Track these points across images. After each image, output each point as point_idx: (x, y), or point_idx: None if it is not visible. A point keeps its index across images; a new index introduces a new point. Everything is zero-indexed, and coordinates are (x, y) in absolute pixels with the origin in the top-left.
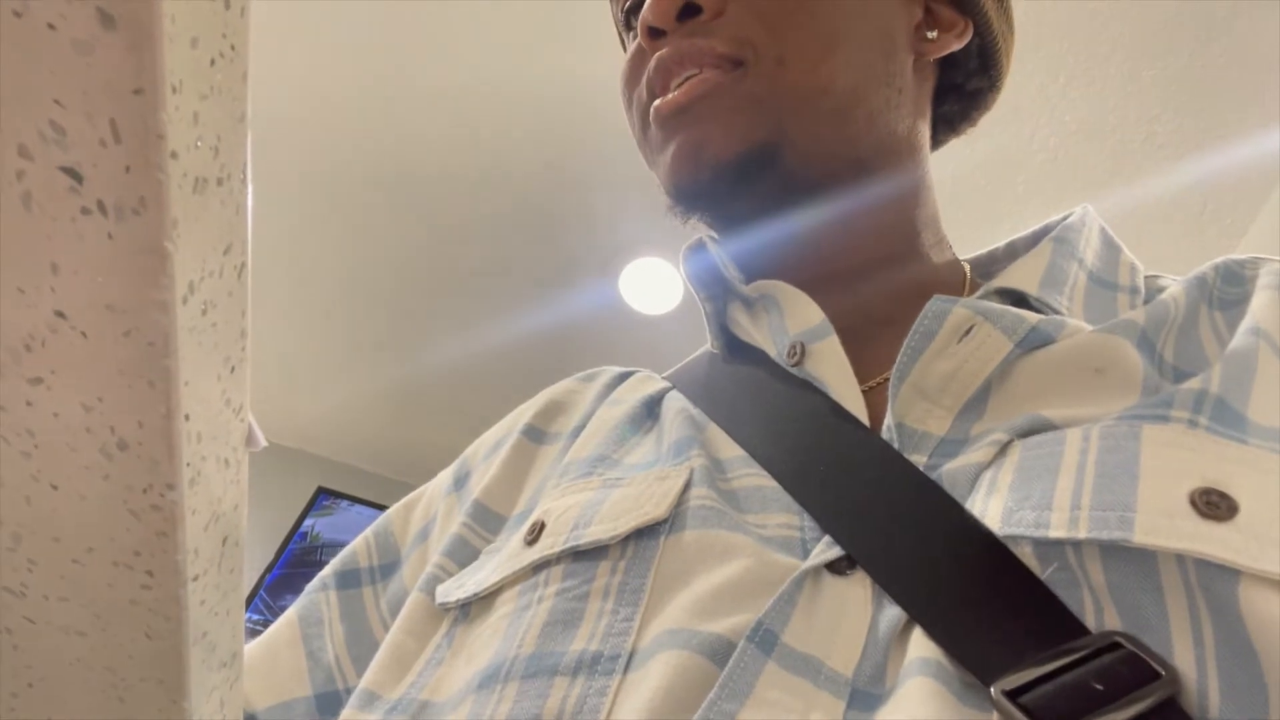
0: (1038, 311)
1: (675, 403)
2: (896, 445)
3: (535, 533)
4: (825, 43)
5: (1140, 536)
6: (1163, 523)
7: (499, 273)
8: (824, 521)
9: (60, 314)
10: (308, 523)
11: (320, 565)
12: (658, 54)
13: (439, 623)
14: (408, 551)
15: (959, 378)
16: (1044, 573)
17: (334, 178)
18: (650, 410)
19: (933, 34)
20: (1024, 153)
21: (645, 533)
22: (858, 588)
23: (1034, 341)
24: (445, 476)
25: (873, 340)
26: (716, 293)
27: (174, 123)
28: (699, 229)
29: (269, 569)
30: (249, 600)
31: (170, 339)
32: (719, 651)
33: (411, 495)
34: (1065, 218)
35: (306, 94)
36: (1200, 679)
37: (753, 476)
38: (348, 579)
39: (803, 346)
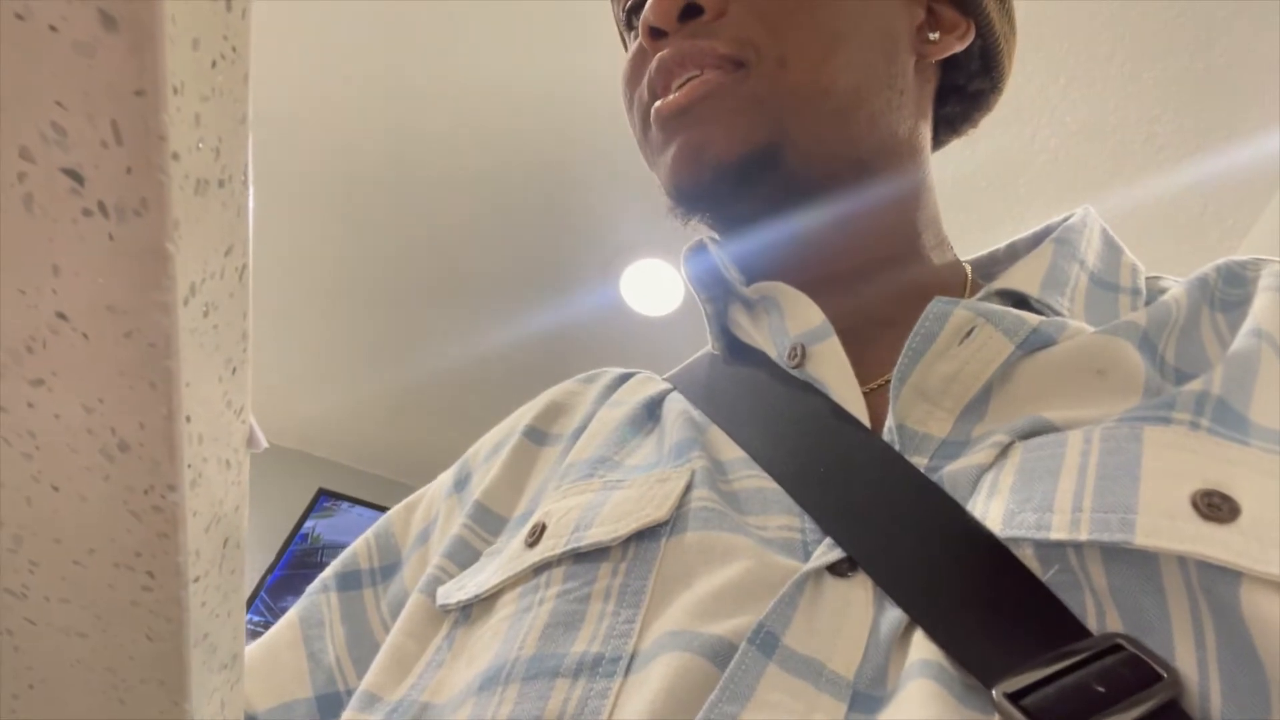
0: (1039, 313)
1: (676, 404)
2: (897, 447)
3: (536, 534)
4: (827, 44)
5: (1142, 538)
6: (1164, 524)
7: (500, 274)
8: (825, 523)
9: (61, 315)
10: (308, 524)
11: (321, 567)
12: (659, 54)
13: (440, 624)
14: (408, 553)
15: (960, 379)
16: (1045, 575)
17: (334, 178)
18: (651, 412)
19: (935, 35)
20: (1025, 154)
21: (646, 534)
22: (859, 590)
23: (1035, 343)
24: (446, 478)
25: (874, 342)
26: (717, 294)
27: (175, 124)
28: (700, 230)
29: (270, 570)
30: (250, 602)
31: (171, 340)
32: (720, 653)
33: (412, 497)
34: (1066, 219)
35: (306, 94)
36: (1202, 681)
37: (754, 478)
38: (348, 580)
39: (803, 348)
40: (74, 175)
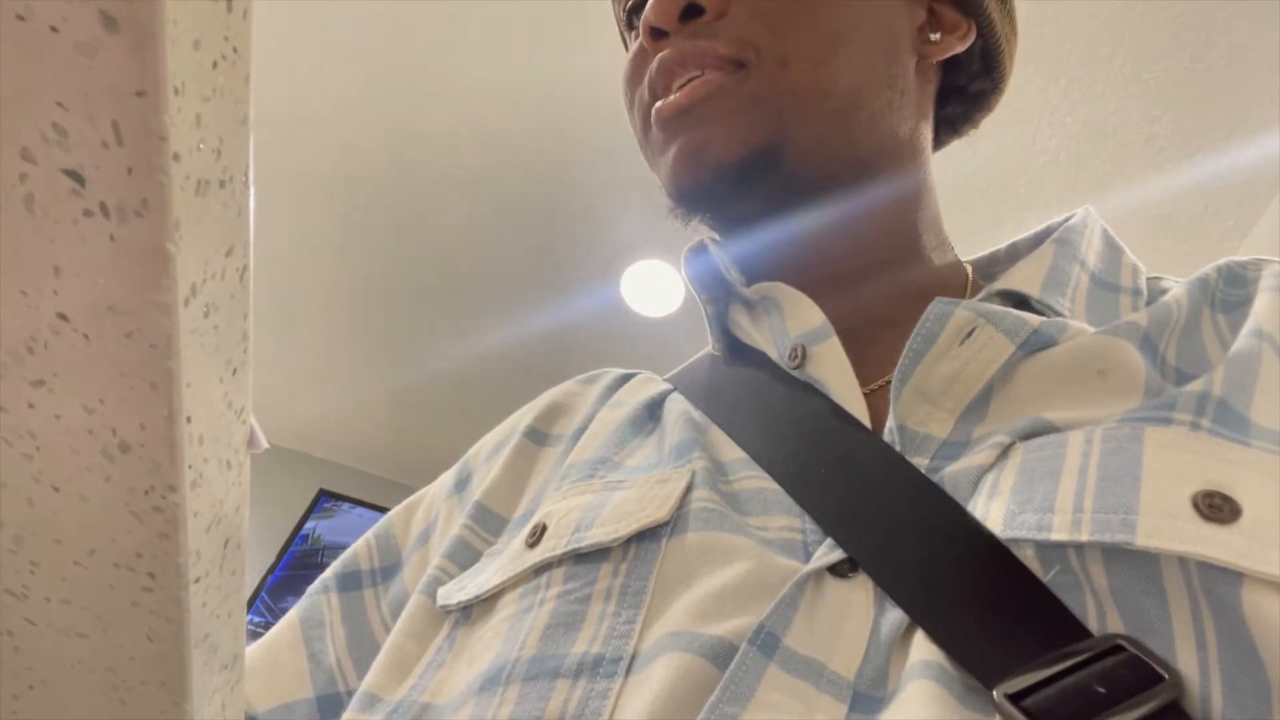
0: (1039, 313)
1: (677, 405)
2: (898, 448)
3: (537, 535)
4: (827, 44)
5: (1143, 539)
6: (1165, 525)
7: (500, 274)
8: (825, 524)
9: (62, 316)
10: (309, 525)
11: (321, 567)
12: (660, 55)
13: (440, 625)
14: (409, 554)
15: (961, 380)
16: (1046, 575)
17: (334, 178)
18: (652, 412)
19: (935, 36)
20: (1026, 155)
21: (647, 535)
22: (859, 590)
23: (1036, 344)
24: (447, 478)
25: (874, 342)
26: (718, 295)
27: (176, 125)
28: (700, 231)
29: (270, 571)
30: (250, 602)
31: (172, 341)
32: (721, 654)
33: (413, 497)
34: (1067, 219)
35: (306, 94)
36: (1203, 682)
37: (754, 479)
38: (349, 581)
39: (804, 349)
40: (75, 176)
